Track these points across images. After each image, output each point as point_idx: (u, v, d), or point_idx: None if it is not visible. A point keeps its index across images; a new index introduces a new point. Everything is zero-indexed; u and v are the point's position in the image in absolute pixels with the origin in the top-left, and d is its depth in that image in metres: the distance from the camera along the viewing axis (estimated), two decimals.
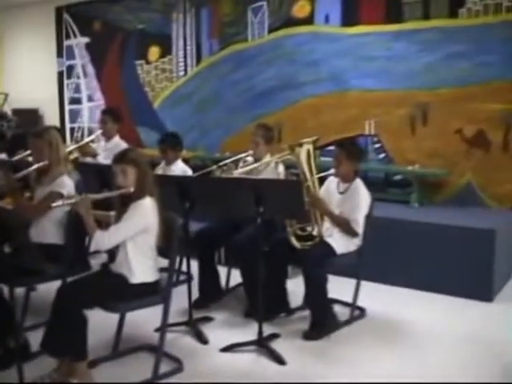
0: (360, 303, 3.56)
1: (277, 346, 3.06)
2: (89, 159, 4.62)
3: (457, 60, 4.76)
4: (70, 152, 4.39)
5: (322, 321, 3.27)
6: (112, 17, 7.19)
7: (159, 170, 4.24)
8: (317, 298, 3.23)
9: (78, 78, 7.67)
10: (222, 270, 3.95)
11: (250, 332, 3.20)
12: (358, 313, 3.54)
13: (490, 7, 4.65)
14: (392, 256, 4.16)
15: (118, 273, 2.68)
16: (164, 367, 2.75)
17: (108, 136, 4.87)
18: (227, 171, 3.63)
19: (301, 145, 3.29)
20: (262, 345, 3.04)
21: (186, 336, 3.23)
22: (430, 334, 3.29)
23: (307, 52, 5.60)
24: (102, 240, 2.57)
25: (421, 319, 3.52)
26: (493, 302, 3.82)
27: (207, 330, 3.30)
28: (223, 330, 3.34)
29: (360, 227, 3.33)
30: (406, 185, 5.04)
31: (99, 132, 4.91)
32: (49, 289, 2.81)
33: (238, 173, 3.58)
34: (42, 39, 7.96)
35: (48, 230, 3.03)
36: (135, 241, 2.66)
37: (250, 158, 3.87)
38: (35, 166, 3.09)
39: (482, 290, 3.82)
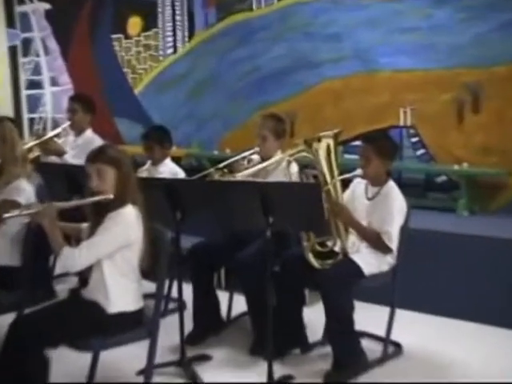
0: (395, 337, 3.56)
1: None
2: (53, 158, 4.64)
3: None
4: (30, 149, 4.41)
5: (348, 359, 3.28)
6: None
7: (144, 172, 4.26)
8: (340, 330, 3.24)
9: (38, 55, 7.64)
10: (223, 296, 3.97)
11: (257, 373, 3.21)
12: (392, 349, 3.55)
13: None
14: (435, 278, 4.17)
15: (91, 300, 2.70)
16: None
17: (78, 129, 4.90)
18: (228, 173, 3.65)
19: (319, 139, 3.32)
20: None
21: (177, 379, 3.24)
22: (483, 377, 3.28)
23: (326, 23, 5.63)
24: (71, 259, 2.59)
25: (471, 357, 3.52)
26: None
27: (204, 371, 3.31)
28: (224, 371, 3.35)
29: (394, 242, 3.35)
30: (452, 188, 5.05)
31: (67, 124, 4.94)
32: (0, 323, 2.79)
33: (241, 175, 3.60)
34: None
35: (0, 249, 3.04)
36: (114, 260, 2.68)
37: (255, 157, 3.89)
38: None
39: None
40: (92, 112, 4.94)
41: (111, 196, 2.67)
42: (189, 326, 3.62)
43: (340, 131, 3.42)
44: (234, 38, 6.21)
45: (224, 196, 3.12)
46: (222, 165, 3.75)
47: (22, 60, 7.71)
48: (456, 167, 4.92)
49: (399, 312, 3.56)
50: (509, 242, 3.98)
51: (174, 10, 6.59)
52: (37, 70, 7.65)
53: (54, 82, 7.55)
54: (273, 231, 3.01)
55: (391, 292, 3.47)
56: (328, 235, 3.37)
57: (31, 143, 4.55)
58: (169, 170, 4.25)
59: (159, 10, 6.67)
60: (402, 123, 5.31)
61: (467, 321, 4.02)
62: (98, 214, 2.70)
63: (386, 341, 3.51)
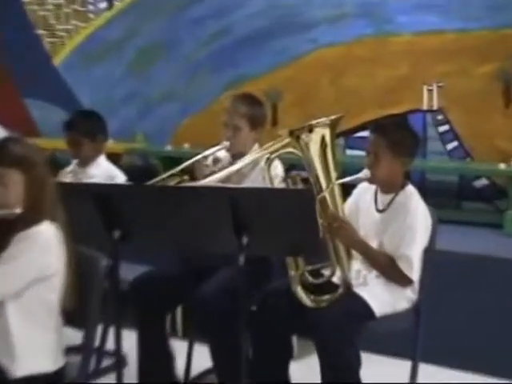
0: None
1: None
2: None
3: None
4: None
5: None
6: None
7: (68, 176, 4.26)
8: None
9: None
10: (179, 347, 3.98)
11: None
12: None
13: None
14: (473, 321, 4.20)
15: None
16: None
17: None
18: (188, 180, 3.65)
19: (311, 129, 3.32)
20: None
21: None
22: None
23: None
24: None
25: None
26: None
27: None
28: None
29: (415, 270, 3.36)
30: (496, 196, 5.10)
31: None
32: None
33: (206, 182, 3.60)
34: None
35: None
36: (22, 300, 2.66)
37: (224, 155, 3.90)
38: None
39: None
40: None
41: (18, 210, 2.66)
42: None
43: (339, 117, 3.41)
44: None
45: (180, 208, 3.12)
46: (178, 168, 3.72)
47: None
48: (502, 166, 4.97)
49: (423, 367, 3.56)
50: None
51: None
52: None
53: None
54: (248, 256, 2.99)
55: (413, 340, 3.48)
56: (324, 261, 3.38)
57: None
58: (103, 172, 4.25)
59: None
60: (425, 106, 5.36)
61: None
62: (1, 235, 2.69)
63: None
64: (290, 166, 3.81)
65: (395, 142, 3.42)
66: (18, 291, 2.65)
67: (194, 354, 4.07)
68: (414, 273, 3.37)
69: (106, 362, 4.01)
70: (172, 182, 3.58)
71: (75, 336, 2.78)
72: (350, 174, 3.47)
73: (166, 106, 6.37)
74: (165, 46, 6.35)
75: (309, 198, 3.03)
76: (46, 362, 2.71)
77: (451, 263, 3.91)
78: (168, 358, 3.85)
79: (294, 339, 3.68)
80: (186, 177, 3.65)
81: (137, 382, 3.74)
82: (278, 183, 3.59)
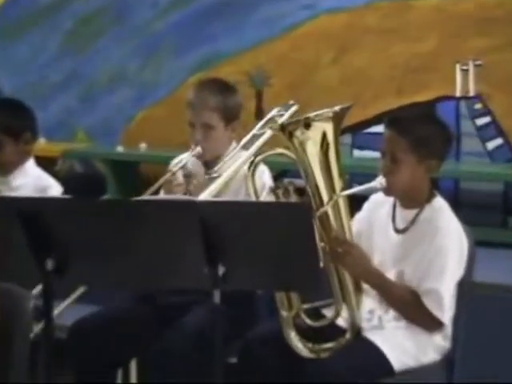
0: None
1: None
2: None
3: None
4: None
5: None
6: None
7: None
8: None
9: None
10: None
11: None
12: None
13: None
14: None
15: None
16: None
17: None
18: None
19: (308, 123, 3.36)
20: None
21: None
22: None
23: None
24: None
25: None
26: None
27: None
28: None
29: (446, 309, 3.39)
30: None
31: None
32: None
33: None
34: None
35: None
36: None
37: (193, 162, 3.92)
38: None
39: None
40: None
41: None
42: None
43: (346, 108, 3.45)
44: None
45: (134, 229, 3.14)
46: (146, 195, 3.69)
47: None
48: None
49: None
50: None
51: None
52: None
53: None
54: (225, 292, 3.03)
55: None
56: (325, 298, 3.42)
57: None
58: (31, 182, 4.27)
59: None
60: (459, 92, 5.40)
61: None
62: None
63: None
64: (280, 173, 3.83)
65: (419, 141, 3.44)
66: None
67: None
68: (445, 313, 3.39)
69: None
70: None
71: None
72: (360, 183, 3.51)
73: (115, 93, 6.38)
74: (113, 13, 6.36)
75: (305, 214, 3.05)
76: None
77: (495, 299, 3.93)
78: None
79: None
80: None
81: None
82: (266, 195, 3.62)
